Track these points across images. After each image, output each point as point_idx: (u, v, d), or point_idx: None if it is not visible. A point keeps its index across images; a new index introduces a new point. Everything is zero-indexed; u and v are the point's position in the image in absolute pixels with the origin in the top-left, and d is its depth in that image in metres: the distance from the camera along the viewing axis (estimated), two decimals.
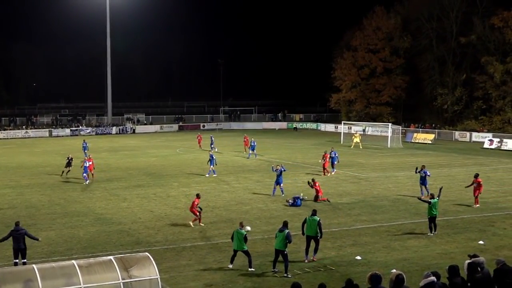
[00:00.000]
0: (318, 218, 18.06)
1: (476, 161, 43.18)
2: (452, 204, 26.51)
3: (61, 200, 27.71)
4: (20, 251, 17.06)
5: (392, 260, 17.99)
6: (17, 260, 17.03)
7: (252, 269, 16.94)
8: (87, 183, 32.14)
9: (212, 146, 48.44)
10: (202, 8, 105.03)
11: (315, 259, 17.94)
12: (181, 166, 39.02)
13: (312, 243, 17.96)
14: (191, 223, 22.43)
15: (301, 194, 27.23)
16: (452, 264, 11.19)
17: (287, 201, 26.45)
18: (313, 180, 27.75)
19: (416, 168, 28.78)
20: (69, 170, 34.23)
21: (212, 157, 34.97)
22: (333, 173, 35.53)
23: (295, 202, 26.13)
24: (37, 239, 18.06)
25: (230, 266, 17.21)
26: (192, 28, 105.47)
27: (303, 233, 18.08)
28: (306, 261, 17.82)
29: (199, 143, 51.00)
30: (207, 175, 34.42)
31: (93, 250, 19.16)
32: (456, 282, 10.55)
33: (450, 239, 20.55)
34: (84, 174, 32.35)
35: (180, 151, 48.94)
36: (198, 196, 22.93)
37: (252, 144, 44.38)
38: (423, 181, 28.18)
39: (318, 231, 17.85)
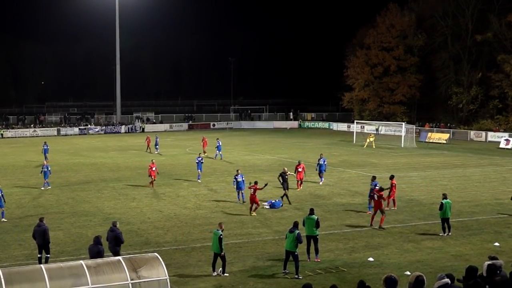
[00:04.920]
0: (316, 217, 18.07)
1: (491, 161, 42.48)
2: (467, 205, 25.99)
3: (70, 200, 27.59)
4: (42, 247, 17.27)
5: (406, 262, 17.68)
6: (40, 255, 17.29)
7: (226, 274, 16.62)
8: (43, 188, 29.90)
9: (156, 147, 46.96)
10: (212, 5, 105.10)
11: (318, 260, 17.80)
12: (190, 166, 38.68)
13: (312, 244, 17.90)
14: (253, 213, 23.87)
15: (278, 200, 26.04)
16: (471, 265, 10.78)
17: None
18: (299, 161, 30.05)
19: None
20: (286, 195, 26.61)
21: (200, 161, 32.89)
22: (321, 183, 31.67)
23: (274, 204, 25.48)
24: (48, 243, 17.72)
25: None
26: (202, 26, 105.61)
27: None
28: (308, 260, 17.73)
29: (148, 145, 48.32)
30: (199, 181, 32.46)
31: None
32: (469, 284, 10.18)
33: (465, 241, 20.20)
34: (46, 181, 30.15)
35: (190, 151, 48.69)
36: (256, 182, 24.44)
37: (218, 144, 42.97)
38: (370, 193, 24.08)
39: (316, 229, 17.83)
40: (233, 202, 26.56)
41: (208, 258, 18.04)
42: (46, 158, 39.96)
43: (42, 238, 17.18)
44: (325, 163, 32.44)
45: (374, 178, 24.67)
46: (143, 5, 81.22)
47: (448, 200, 21.10)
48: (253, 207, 24.17)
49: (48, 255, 17.35)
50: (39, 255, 17.33)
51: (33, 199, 27.76)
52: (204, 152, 43.72)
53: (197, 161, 33.11)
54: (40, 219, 17.77)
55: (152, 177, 30.23)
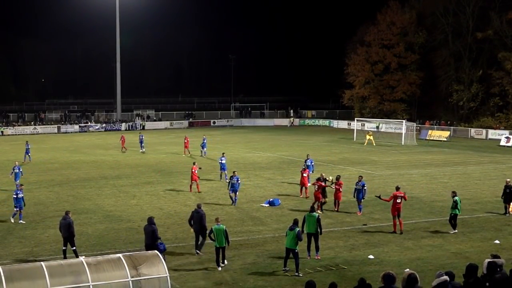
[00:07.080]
0: (317, 215, 18.12)
1: (492, 159, 42.47)
2: (467, 203, 25.97)
3: (70, 197, 27.61)
4: (67, 240, 17.70)
5: (406, 260, 17.72)
6: (65, 248, 17.69)
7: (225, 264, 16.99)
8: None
9: (142, 145, 46.19)
10: (212, 3, 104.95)
11: (318, 257, 17.83)
12: (191, 163, 38.55)
13: (313, 241, 17.90)
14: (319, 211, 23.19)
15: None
16: (471, 263, 10.77)
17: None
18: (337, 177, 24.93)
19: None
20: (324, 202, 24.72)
21: (221, 161, 32.12)
22: (309, 184, 29.17)
23: (273, 202, 25.34)
24: (73, 236, 17.83)
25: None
26: (203, 23, 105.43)
27: (302, 231, 17.68)
28: (308, 258, 17.73)
29: (122, 144, 46.89)
30: (227, 181, 31.26)
31: (101, 248, 19.03)
32: (469, 282, 10.17)
33: (465, 238, 20.22)
34: (17, 183, 27.77)
35: (190, 148, 48.58)
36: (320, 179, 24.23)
37: (204, 141, 42.76)
38: (358, 194, 23.72)
39: (318, 228, 17.80)
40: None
41: (208, 255, 18.05)
42: (29, 158, 39.46)
43: (66, 231, 17.61)
44: (312, 164, 31.46)
45: (361, 178, 24.40)
46: (143, 3, 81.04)
47: (458, 197, 21.14)
48: (318, 204, 23.63)
49: (74, 248, 17.65)
50: (63, 248, 17.67)
51: (33, 196, 27.71)
52: (188, 152, 43.58)
53: (221, 161, 32.05)
54: (66, 212, 18.27)
55: (195, 181, 28.22)
